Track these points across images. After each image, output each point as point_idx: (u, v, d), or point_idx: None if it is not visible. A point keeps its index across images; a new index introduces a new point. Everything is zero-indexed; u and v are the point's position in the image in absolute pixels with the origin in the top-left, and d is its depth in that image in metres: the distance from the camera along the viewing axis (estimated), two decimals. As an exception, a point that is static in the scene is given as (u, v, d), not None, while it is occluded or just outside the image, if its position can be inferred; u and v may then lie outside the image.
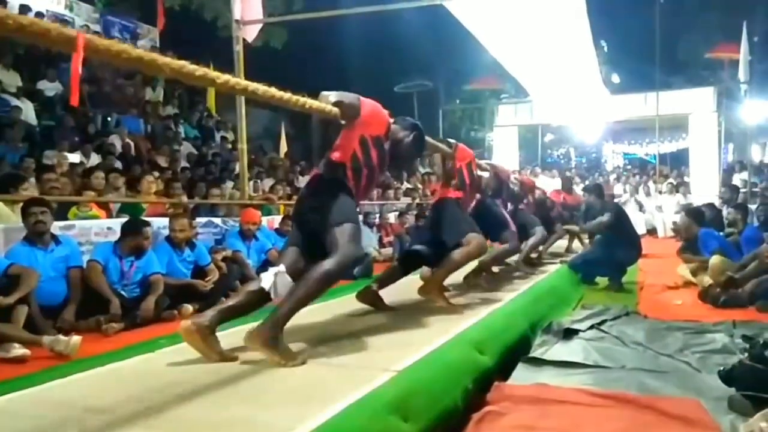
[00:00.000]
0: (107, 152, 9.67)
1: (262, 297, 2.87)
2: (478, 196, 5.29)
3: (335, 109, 3.01)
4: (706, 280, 5.87)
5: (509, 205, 6.31)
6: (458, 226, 4.29)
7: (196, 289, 5.39)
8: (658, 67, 13.48)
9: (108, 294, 4.68)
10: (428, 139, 3.99)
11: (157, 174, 8.84)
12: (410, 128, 3.53)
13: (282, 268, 2.89)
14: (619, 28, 18.90)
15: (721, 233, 7.11)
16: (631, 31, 18.69)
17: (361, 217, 7.92)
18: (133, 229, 5.06)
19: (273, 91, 2.62)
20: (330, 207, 2.96)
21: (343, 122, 3.13)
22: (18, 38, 1.75)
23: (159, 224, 6.01)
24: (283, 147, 15.42)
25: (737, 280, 5.11)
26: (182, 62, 2.19)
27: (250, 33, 7.54)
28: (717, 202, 10.90)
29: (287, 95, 2.71)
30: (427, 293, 4.09)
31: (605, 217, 6.28)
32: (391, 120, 3.43)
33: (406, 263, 4.42)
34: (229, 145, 13.49)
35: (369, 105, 3.19)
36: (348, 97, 3.10)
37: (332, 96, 3.04)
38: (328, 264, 2.78)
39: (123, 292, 4.88)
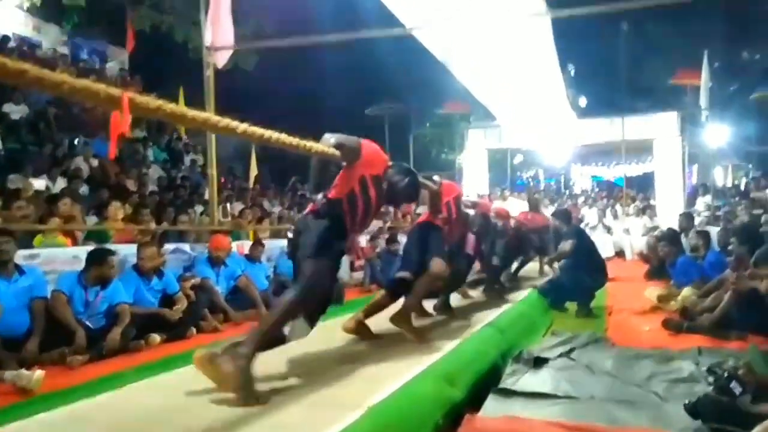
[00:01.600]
0: (74, 176, 9.52)
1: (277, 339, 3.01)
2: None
3: (337, 152, 3.13)
4: (673, 305, 5.99)
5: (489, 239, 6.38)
6: (426, 250, 4.34)
7: (163, 318, 5.30)
8: (623, 93, 13.82)
9: (73, 325, 4.56)
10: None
11: (125, 198, 8.72)
12: (404, 173, 3.62)
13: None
14: (585, 54, 19.32)
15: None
16: (597, 57, 19.15)
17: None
18: (98, 258, 4.96)
19: (284, 137, 2.74)
20: (308, 240, 3.12)
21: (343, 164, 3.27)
22: (70, 98, 1.92)
23: (126, 251, 5.90)
24: (254, 170, 15.35)
25: (691, 311, 5.25)
26: (207, 114, 2.43)
27: (221, 59, 7.54)
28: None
29: (296, 141, 2.82)
30: (398, 323, 4.07)
31: (567, 245, 6.43)
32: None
33: (394, 290, 4.39)
34: (199, 168, 13.39)
35: (369, 147, 3.34)
36: (349, 140, 3.24)
37: (333, 139, 3.16)
38: (290, 295, 2.92)
39: (88, 323, 4.76)
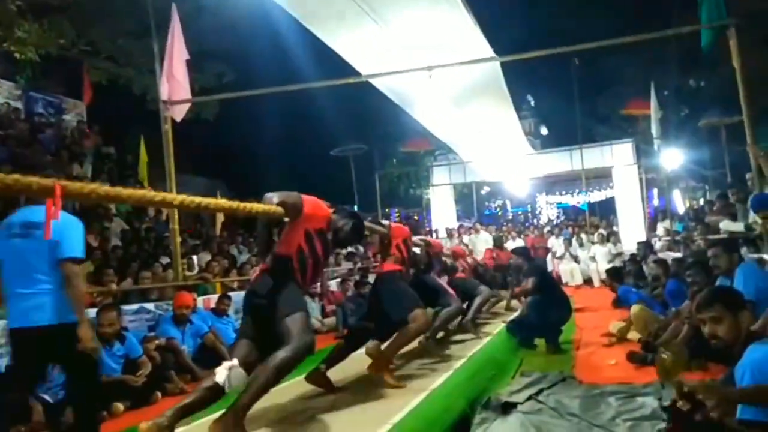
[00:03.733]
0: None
1: (217, 392, 2.93)
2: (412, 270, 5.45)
3: (280, 209, 3.22)
4: (634, 335, 6.13)
5: (444, 276, 6.51)
6: (402, 301, 4.43)
7: (127, 384, 5.16)
8: (580, 124, 14.23)
9: (30, 400, 4.41)
10: (366, 223, 4.24)
11: (87, 255, 8.53)
12: (349, 217, 3.72)
13: (235, 362, 2.98)
14: (541, 88, 19.89)
15: (642, 288, 7.53)
16: (552, 91, 19.72)
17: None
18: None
19: (222, 202, 3.10)
20: (280, 299, 3.13)
21: (287, 220, 3.35)
22: (5, 194, 2.01)
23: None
24: (220, 216, 15.20)
25: (653, 343, 5.36)
26: (142, 192, 2.55)
27: (178, 112, 7.54)
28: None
29: (236, 204, 2.99)
30: (377, 371, 4.12)
31: (529, 282, 6.53)
32: (332, 210, 3.65)
33: (352, 339, 4.50)
34: (164, 218, 13.19)
35: (310, 202, 3.42)
36: (290, 196, 3.33)
37: (275, 197, 3.25)
38: (285, 352, 2.91)
39: (46, 396, 4.62)
